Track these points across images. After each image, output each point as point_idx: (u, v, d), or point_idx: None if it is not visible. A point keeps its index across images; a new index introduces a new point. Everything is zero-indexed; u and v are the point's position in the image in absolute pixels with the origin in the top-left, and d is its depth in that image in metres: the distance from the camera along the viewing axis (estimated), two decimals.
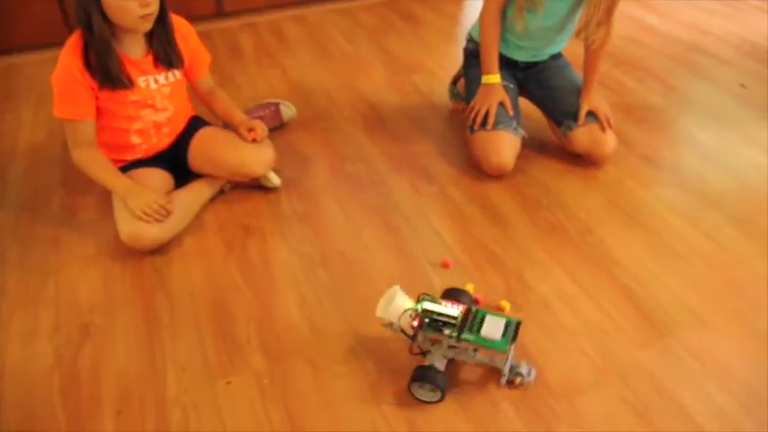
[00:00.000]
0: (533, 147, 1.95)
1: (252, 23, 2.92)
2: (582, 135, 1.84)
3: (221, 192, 1.80)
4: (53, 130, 2.14)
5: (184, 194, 1.70)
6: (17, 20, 2.60)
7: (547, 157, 1.94)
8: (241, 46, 2.71)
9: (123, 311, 1.45)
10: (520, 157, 1.85)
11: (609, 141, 1.84)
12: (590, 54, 1.82)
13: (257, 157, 1.72)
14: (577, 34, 1.76)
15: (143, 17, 1.48)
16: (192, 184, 1.74)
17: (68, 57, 1.52)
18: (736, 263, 1.57)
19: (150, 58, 1.62)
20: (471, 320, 1.23)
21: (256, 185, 1.81)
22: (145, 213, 1.54)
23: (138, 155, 1.72)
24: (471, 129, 1.82)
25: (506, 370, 1.24)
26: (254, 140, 1.72)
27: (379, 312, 1.23)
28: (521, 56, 1.91)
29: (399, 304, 1.23)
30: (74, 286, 1.52)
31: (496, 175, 1.82)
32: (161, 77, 1.65)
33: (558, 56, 1.96)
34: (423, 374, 1.20)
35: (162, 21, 1.57)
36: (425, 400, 1.23)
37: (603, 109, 1.85)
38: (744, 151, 1.99)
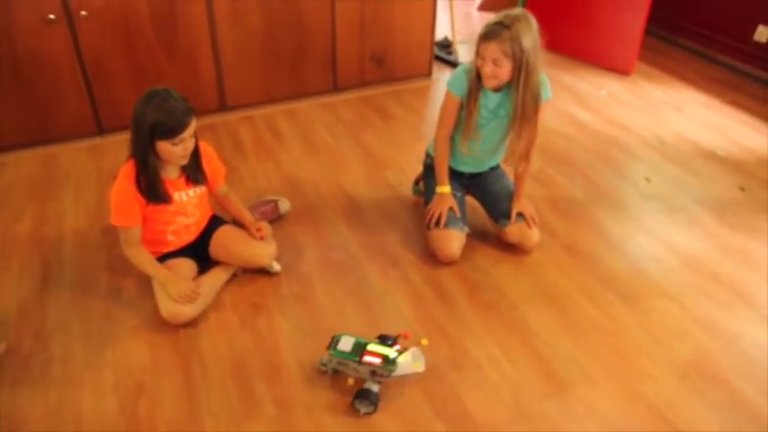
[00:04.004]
0: (477, 236, 2.50)
1: (250, 116, 3.46)
2: (513, 230, 2.40)
3: (234, 275, 2.32)
4: (93, 217, 2.65)
5: (207, 279, 2.21)
6: (54, 113, 3.10)
7: (487, 246, 2.49)
8: (241, 139, 3.25)
9: (167, 372, 1.95)
10: (466, 246, 2.40)
11: (534, 236, 2.41)
12: (516, 176, 2.41)
13: (264, 252, 2.26)
14: (506, 162, 2.35)
15: (183, 156, 2.03)
16: (212, 271, 2.25)
17: (125, 181, 2.04)
18: (622, 334, 2.12)
19: (183, 178, 2.15)
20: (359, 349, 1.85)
21: (261, 271, 2.33)
22: (180, 297, 2.06)
23: (171, 248, 2.23)
24: (428, 227, 2.37)
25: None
26: (261, 238, 2.25)
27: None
28: (466, 168, 2.49)
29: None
30: (127, 352, 2.02)
31: (447, 263, 2.37)
32: (191, 192, 2.18)
33: (496, 167, 2.54)
34: (362, 393, 1.80)
35: (193, 152, 2.10)
36: (364, 411, 1.80)
37: (530, 211, 2.42)
38: (640, 240, 2.56)
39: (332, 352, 1.86)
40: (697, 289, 2.31)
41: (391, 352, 1.83)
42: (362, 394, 1.80)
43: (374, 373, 1.82)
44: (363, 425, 1.79)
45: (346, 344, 1.86)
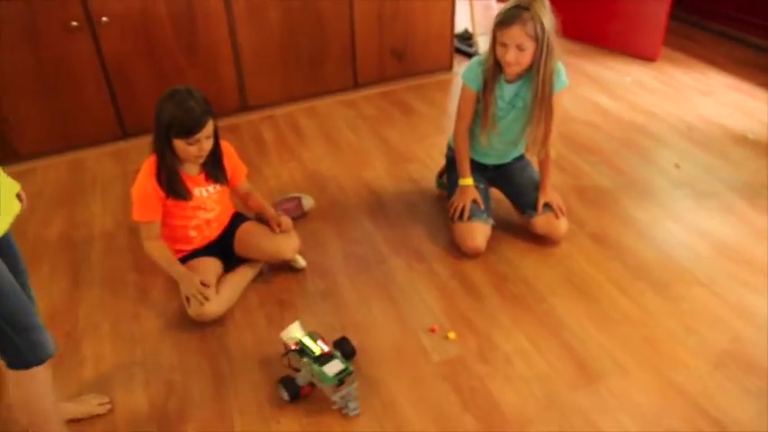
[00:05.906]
0: (503, 228, 2.47)
1: (271, 116, 3.46)
2: (540, 221, 2.37)
3: (260, 273, 2.32)
4: (119, 220, 2.67)
5: (233, 277, 2.22)
6: (78, 119, 3.14)
7: (513, 237, 2.46)
8: (264, 138, 3.26)
9: (195, 371, 1.96)
10: (491, 238, 2.37)
11: (561, 226, 2.37)
12: (540, 164, 2.37)
13: (287, 245, 2.26)
14: (527, 150, 2.32)
15: (198, 156, 2.05)
16: (238, 269, 2.26)
17: (146, 176, 2.06)
18: (654, 323, 2.07)
19: (203, 175, 2.16)
20: (324, 359, 1.77)
21: (287, 267, 2.33)
22: (191, 295, 2.07)
23: (195, 245, 2.24)
24: (452, 220, 2.35)
25: (337, 400, 1.77)
26: (282, 232, 2.25)
27: (282, 334, 1.86)
28: (489, 161, 2.46)
29: (290, 332, 1.86)
30: (156, 351, 2.04)
31: (473, 256, 2.34)
32: (210, 188, 2.19)
33: (519, 158, 2.50)
34: (285, 381, 1.82)
35: (213, 151, 2.11)
36: (282, 395, 1.83)
37: (557, 201, 2.38)
38: (670, 227, 2.51)
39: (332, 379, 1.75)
40: (730, 275, 2.26)
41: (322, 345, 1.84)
42: (285, 382, 1.83)
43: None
44: (392, 420, 1.78)
45: (334, 367, 1.77)
